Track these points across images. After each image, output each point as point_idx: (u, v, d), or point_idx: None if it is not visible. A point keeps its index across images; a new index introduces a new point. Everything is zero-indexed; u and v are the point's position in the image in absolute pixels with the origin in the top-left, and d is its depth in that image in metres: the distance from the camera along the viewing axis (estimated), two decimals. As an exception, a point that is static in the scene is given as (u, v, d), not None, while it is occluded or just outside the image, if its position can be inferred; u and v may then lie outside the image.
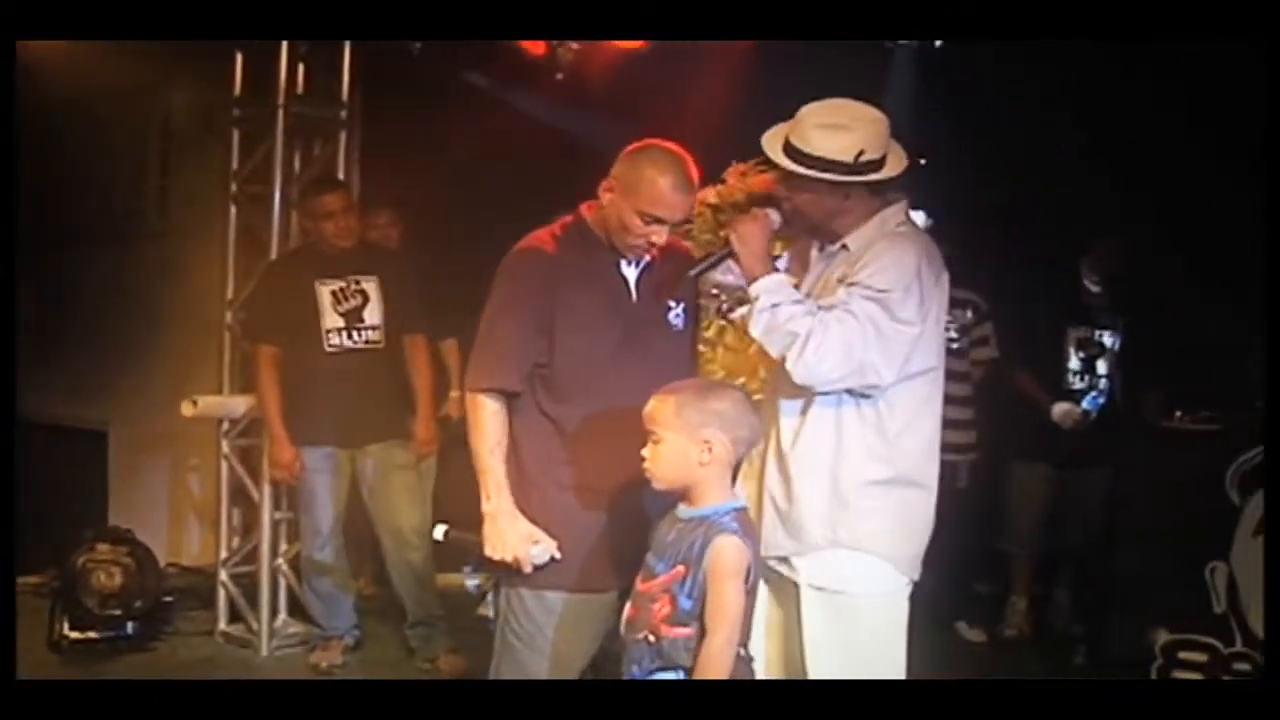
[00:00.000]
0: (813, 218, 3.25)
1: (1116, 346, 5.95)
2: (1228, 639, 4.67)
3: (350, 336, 5.17)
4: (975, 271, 5.85)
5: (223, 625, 5.72)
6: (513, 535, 3.16)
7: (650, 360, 3.23)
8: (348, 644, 5.43)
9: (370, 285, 5.21)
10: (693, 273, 3.33)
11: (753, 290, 3.15)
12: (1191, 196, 5.57)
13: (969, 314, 5.92)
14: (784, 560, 3.24)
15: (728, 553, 2.80)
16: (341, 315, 5.16)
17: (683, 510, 2.92)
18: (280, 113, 5.44)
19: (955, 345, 5.82)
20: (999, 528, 6.12)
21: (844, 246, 3.25)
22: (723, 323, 3.94)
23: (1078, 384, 5.90)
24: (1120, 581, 4.97)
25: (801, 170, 3.16)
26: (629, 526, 3.14)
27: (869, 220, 3.23)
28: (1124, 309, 5.96)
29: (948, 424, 5.54)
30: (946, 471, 5.57)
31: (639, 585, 2.95)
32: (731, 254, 3.24)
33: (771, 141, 3.23)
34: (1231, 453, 4.70)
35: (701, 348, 3.83)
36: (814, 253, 3.38)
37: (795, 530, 3.20)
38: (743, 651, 2.89)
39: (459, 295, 4.58)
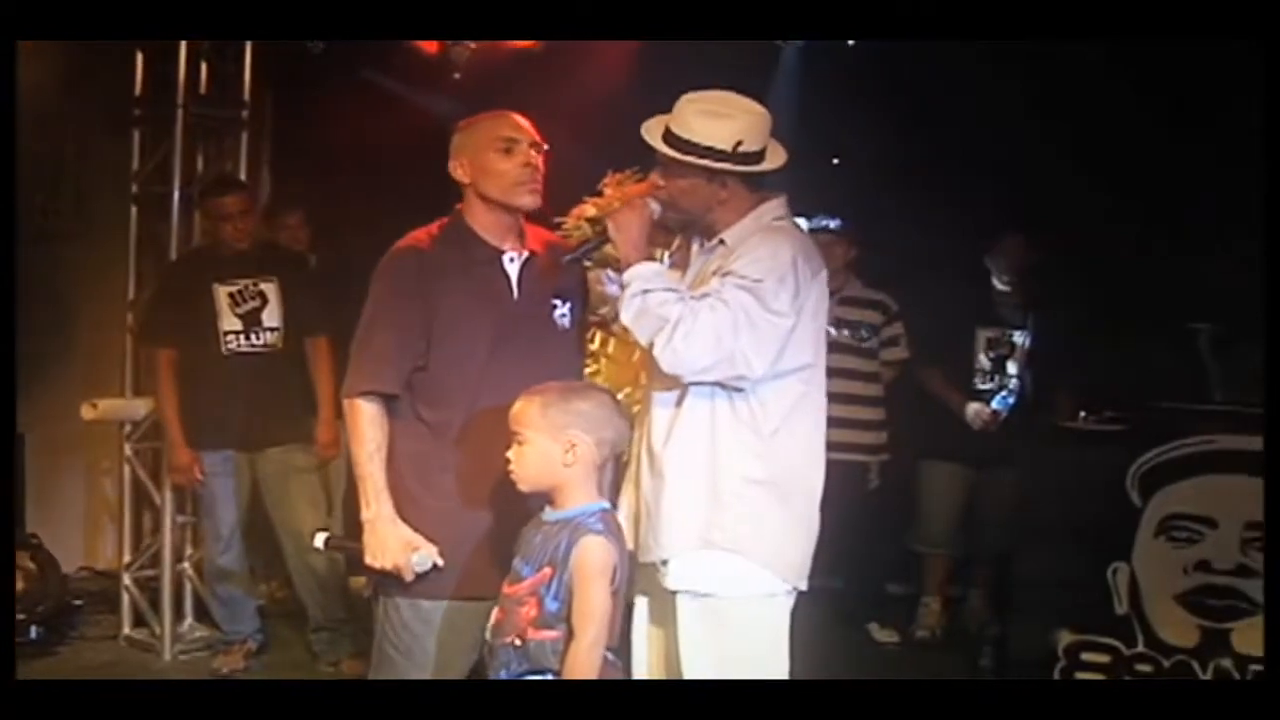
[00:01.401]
0: (689, 209, 3.21)
1: (1026, 345, 5.86)
2: (1129, 640, 4.58)
3: (248, 338, 5.09)
4: (885, 272, 5.81)
5: (127, 630, 5.60)
6: (393, 542, 3.11)
7: (533, 360, 3.18)
8: (251, 648, 5.34)
9: (269, 287, 5.13)
10: (566, 259, 3.28)
11: (625, 277, 3.10)
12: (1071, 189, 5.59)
13: (879, 314, 5.85)
14: (658, 565, 3.16)
15: (593, 553, 2.79)
16: (239, 317, 5.08)
17: (548, 513, 2.90)
18: (180, 112, 5.33)
19: (866, 345, 5.78)
20: (912, 528, 6.05)
21: (721, 241, 3.20)
22: (601, 333, 3.89)
23: (988, 384, 5.83)
24: (1025, 583, 4.88)
25: (678, 156, 3.12)
26: (509, 531, 3.07)
27: (746, 215, 3.18)
28: (1033, 307, 5.87)
29: (859, 424, 5.64)
30: (857, 471, 5.62)
31: (506, 589, 2.92)
32: (606, 241, 3.19)
33: (651, 129, 3.20)
34: (1133, 453, 4.62)
35: (586, 361, 3.77)
36: (694, 250, 3.32)
37: (668, 532, 3.13)
38: (610, 656, 2.86)
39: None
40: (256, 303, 5.09)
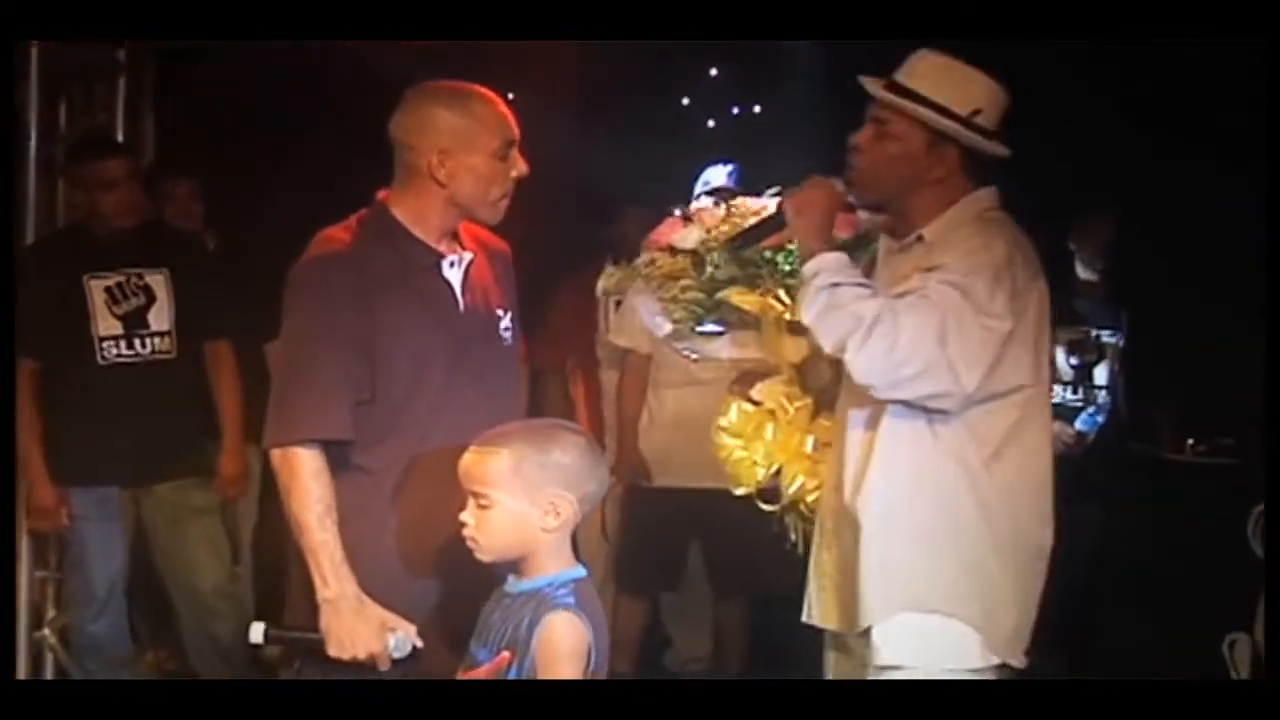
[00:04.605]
0: (891, 186, 3.33)
1: (1119, 349, 5.90)
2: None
3: (131, 345, 5.06)
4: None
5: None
6: (364, 627, 3.11)
7: (484, 384, 3.27)
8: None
9: (157, 279, 5.10)
10: (737, 247, 3.45)
11: (808, 268, 3.20)
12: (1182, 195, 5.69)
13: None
14: (843, 636, 3.38)
15: (560, 632, 2.80)
16: (119, 319, 5.06)
17: (511, 584, 2.93)
18: (35, 49, 5.15)
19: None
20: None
21: (919, 238, 3.32)
22: (749, 408, 3.84)
23: (1069, 397, 5.82)
24: (1110, 653, 4.86)
25: (901, 103, 3.25)
26: (465, 604, 3.07)
27: (951, 206, 3.31)
28: (1128, 301, 5.92)
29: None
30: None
31: (460, 677, 2.95)
32: (782, 226, 3.35)
33: (871, 81, 3.34)
34: (1254, 494, 4.58)
35: (725, 438, 3.83)
36: (880, 255, 3.47)
37: (866, 595, 3.25)
38: None
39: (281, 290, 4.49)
40: (140, 299, 5.05)
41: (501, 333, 3.37)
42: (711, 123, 7.38)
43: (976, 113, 3.25)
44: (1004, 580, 3.27)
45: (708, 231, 4.08)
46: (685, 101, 7.35)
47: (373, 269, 3.21)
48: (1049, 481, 3.32)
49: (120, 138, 5.59)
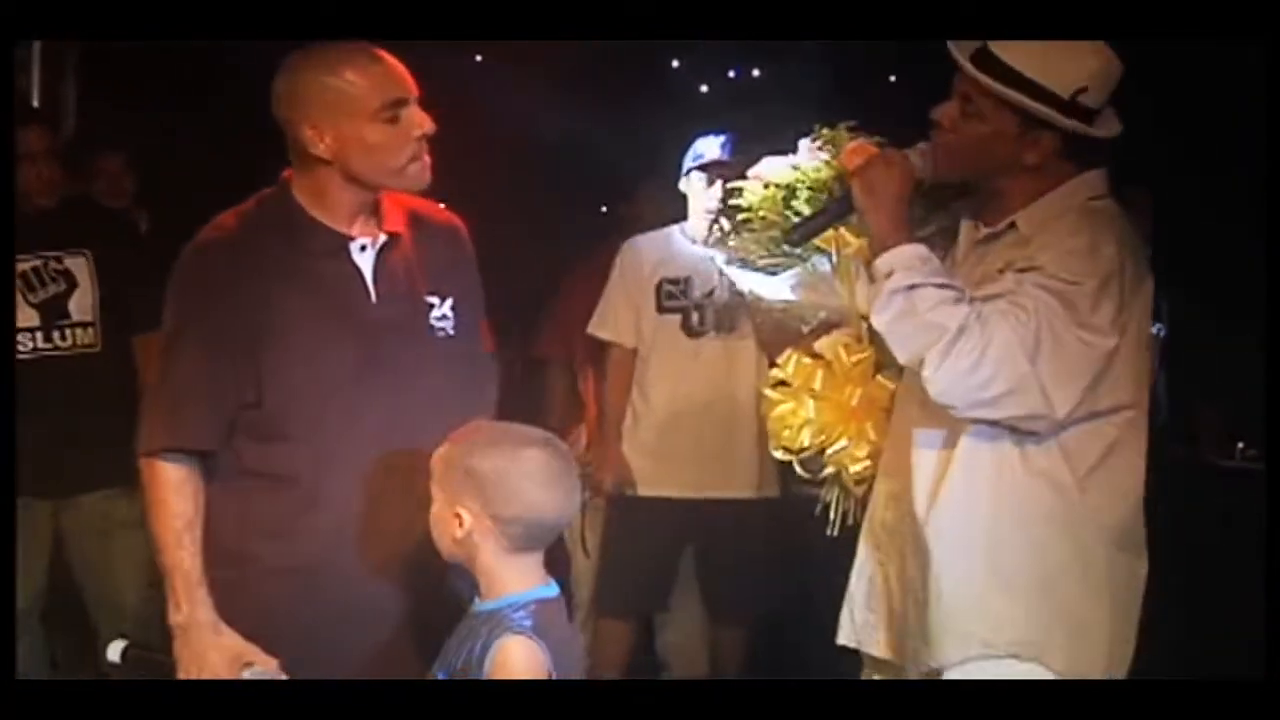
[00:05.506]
0: (977, 169, 3.24)
1: (1160, 342, 5.72)
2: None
3: (49, 338, 5.04)
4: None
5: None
6: (216, 656, 3.11)
7: (408, 381, 3.23)
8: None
9: (78, 264, 5.08)
10: (796, 237, 3.35)
11: (881, 263, 3.13)
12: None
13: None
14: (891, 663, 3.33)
15: (512, 658, 2.83)
16: (35, 307, 5.02)
17: (476, 603, 2.98)
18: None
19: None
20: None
21: (1011, 225, 3.21)
22: (807, 360, 3.69)
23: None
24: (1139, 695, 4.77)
25: (991, 84, 3.11)
26: (387, 618, 3.18)
27: (1050, 191, 3.20)
28: (1168, 288, 5.71)
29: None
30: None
31: None
32: (850, 210, 3.25)
33: (963, 47, 3.18)
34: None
35: (773, 393, 3.69)
36: (962, 241, 3.36)
37: (940, 632, 3.18)
38: None
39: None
40: (60, 286, 5.04)
41: (433, 322, 3.29)
42: (705, 88, 7.34)
43: (1081, 91, 3.09)
44: (1097, 620, 3.17)
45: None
46: (675, 64, 7.30)
47: (263, 257, 3.19)
48: (1142, 508, 3.23)
49: (36, 103, 5.57)
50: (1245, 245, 5.49)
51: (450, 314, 3.31)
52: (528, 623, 2.86)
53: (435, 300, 3.30)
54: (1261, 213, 3.50)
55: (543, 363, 6.03)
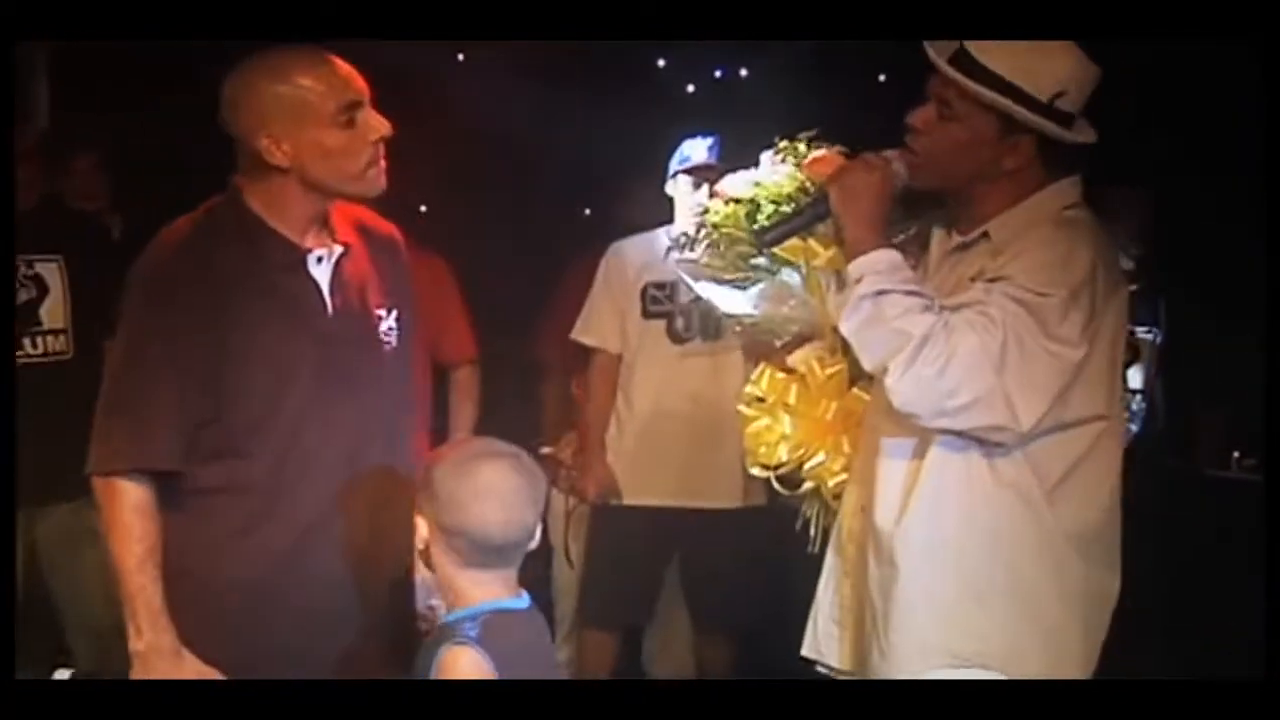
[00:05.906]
0: (953, 176, 3.21)
1: (1157, 348, 5.83)
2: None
3: (20, 345, 4.99)
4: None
5: None
6: None
7: (360, 393, 3.25)
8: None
9: (49, 269, 5.07)
10: (769, 238, 3.33)
11: (853, 268, 3.13)
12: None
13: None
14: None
15: (450, 668, 2.86)
16: None
17: (443, 614, 3.04)
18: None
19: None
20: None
21: (984, 235, 3.20)
22: (780, 374, 3.71)
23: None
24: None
25: (969, 84, 3.09)
26: (349, 629, 3.21)
27: (1023, 200, 3.19)
28: (1168, 292, 5.88)
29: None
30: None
31: None
32: (825, 215, 3.25)
33: (941, 48, 3.18)
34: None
35: (748, 410, 3.71)
36: (934, 249, 3.37)
37: (903, 643, 3.18)
38: None
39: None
40: (31, 292, 5.03)
41: (382, 335, 3.31)
42: (691, 88, 7.30)
43: (1059, 95, 3.08)
44: (1069, 632, 3.17)
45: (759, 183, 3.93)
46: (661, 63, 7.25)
47: (220, 269, 3.17)
48: (1118, 522, 3.21)
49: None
50: (1245, 246, 5.53)
51: (395, 325, 3.33)
52: (473, 633, 2.87)
53: (381, 312, 3.31)
54: (1261, 213, 3.47)
55: (537, 367, 6.00)
